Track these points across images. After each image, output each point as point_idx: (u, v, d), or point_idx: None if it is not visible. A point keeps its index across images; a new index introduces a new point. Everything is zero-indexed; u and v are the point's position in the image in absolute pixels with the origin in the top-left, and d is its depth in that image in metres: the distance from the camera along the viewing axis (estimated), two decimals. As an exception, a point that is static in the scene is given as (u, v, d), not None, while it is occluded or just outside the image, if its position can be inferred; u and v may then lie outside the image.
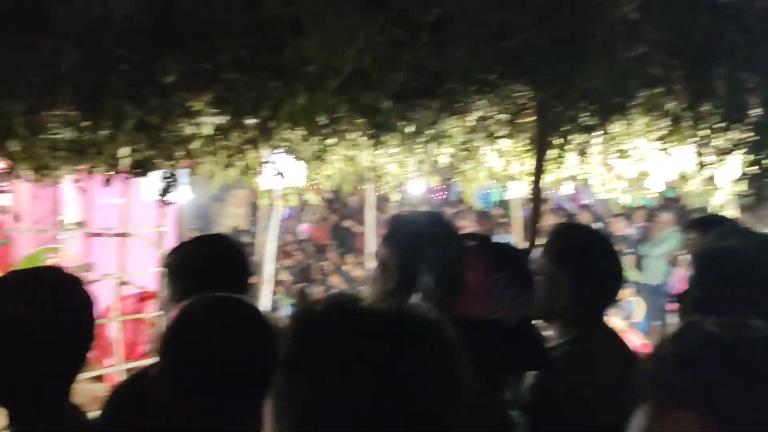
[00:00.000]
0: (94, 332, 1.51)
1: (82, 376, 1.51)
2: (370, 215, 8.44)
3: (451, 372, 0.75)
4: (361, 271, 9.51)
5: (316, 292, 8.26)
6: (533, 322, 1.33)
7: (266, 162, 4.63)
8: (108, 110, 2.57)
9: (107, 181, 4.39)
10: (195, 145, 4.12)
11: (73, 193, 7.39)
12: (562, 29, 2.39)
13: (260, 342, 1.29)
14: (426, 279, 1.25)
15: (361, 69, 2.16)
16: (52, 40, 1.86)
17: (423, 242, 1.49)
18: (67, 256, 8.42)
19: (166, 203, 3.91)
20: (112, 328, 6.99)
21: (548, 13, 2.36)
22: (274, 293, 7.83)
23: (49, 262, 9.01)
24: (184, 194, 4.95)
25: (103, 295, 7.34)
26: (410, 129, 3.62)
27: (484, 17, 2.23)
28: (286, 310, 8.41)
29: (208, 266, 1.87)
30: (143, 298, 7.38)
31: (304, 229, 13.10)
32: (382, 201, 12.28)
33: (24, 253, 9.91)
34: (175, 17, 2.07)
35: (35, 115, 2.33)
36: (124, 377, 6.23)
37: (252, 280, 7.05)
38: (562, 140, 3.39)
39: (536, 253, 1.91)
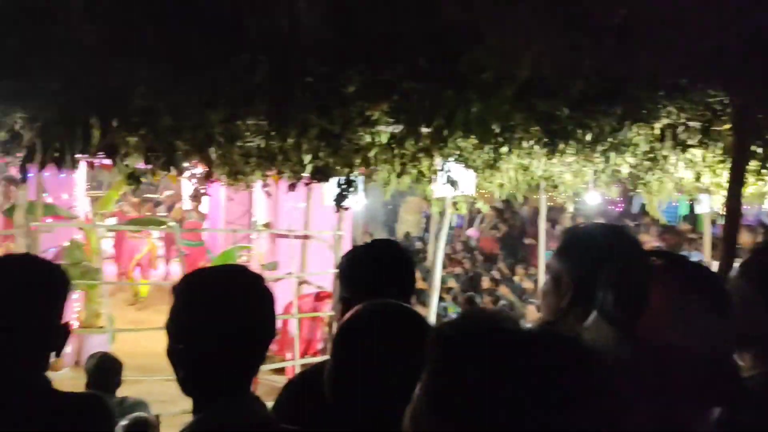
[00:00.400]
0: (275, 327, 1.59)
1: (264, 367, 1.59)
2: (542, 226, 8.19)
3: (596, 409, 0.72)
4: (530, 283, 9.24)
5: (484, 301, 8.16)
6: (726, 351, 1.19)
7: (439, 170, 4.66)
8: (294, 120, 2.72)
9: (292, 186, 4.70)
10: (372, 152, 4.27)
11: (262, 196, 7.97)
12: (765, 27, 2.14)
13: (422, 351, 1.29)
14: (603, 297, 1.15)
15: (537, 75, 2.09)
16: (246, 55, 2.01)
17: (601, 256, 1.38)
18: (256, 254, 9.12)
19: (343, 208, 4.07)
20: (292, 325, 7.42)
21: (747, 11, 2.12)
22: (442, 300, 7.86)
23: (241, 259, 9.83)
24: (360, 200, 5.14)
25: (285, 293, 7.86)
26: (589, 137, 3.45)
27: (676, 17, 2.06)
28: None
29: (376, 271, 1.91)
30: (320, 297, 7.75)
31: (473, 237, 13.02)
32: (555, 211, 11.86)
33: (219, 250, 10.92)
34: (356, 30, 2.16)
35: (231, 125, 2.54)
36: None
37: (422, 285, 7.11)
38: (764, 150, 3.05)
39: (732, 274, 1.71)
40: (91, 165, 6.69)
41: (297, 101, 2.35)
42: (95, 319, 8.01)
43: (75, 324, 7.62)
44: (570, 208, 8.22)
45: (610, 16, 1.97)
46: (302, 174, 4.36)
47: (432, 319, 5.97)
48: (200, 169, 5.41)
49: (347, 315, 1.49)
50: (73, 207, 8.86)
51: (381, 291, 1.68)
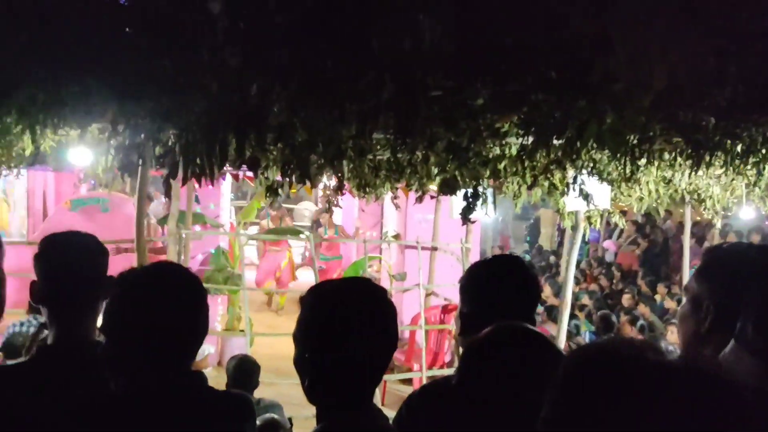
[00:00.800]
0: (397, 340, 1.61)
1: (392, 377, 1.61)
2: (687, 242, 7.65)
3: None
4: (673, 303, 8.65)
5: (621, 321, 7.74)
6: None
7: (572, 183, 4.51)
8: (422, 134, 2.75)
9: (419, 199, 4.74)
10: (501, 164, 4.21)
11: (392, 208, 8.11)
12: None
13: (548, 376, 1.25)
14: (744, 325, 1.06)
15: (675, 84, 1.97)
16: (372, 73, 2.07)
17: (747, 280, 1.27)
18: (386, 265, 9.28)
19: (469, 221, 4.05)
20: (419, 336, 7.46)
21: None
22: (574, 317, 7.55)
23: (372, 269, 10.05)
24: (490, 212, 5.08)
25: (413, 304, 7.93)
26: (739, 148, 3.19)
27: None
28: (586, 336, 8.06)
29: (496, 288, 1.88)
30: (448, 309, 7.74)
31: (610, 249, 12.42)
32: (701, 227, 11.04)
33: (352, 260, 11.22)
34: (482, 43, 2.15)
35: (361, 139, 2.61)
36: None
37: (553, 302, 6.89)
38: None
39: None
40: (236, 177, 7.16)
41: (423, 115, 2.37)
42: (236, 323, 8.50)
43: (218, 327, 8.13)
44: (718, 223, 7.62)
45: (759, 21, 1.81)
46: (430, 186, 4.38)
47: (562, 337, 5.75)
48: (333, 181, 5.61)
49: (476, 336, 1.48)
50: (219, 216, 9.49)
51: (501, 308, 1.65)
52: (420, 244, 7.72)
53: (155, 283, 1.65)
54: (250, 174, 6.36)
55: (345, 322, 1.51)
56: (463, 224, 4.16)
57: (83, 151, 4.77)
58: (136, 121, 3.18)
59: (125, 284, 1.64)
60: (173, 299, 1.62)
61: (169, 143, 3.92)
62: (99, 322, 1.73)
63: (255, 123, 2.22)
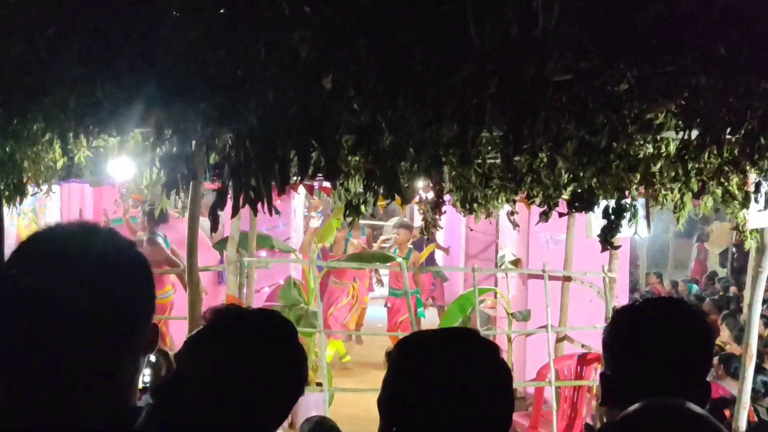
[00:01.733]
0: (513, 405, 1.60)
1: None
2: None
3: None
4: None
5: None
6: None
7: (753, 191, 4.32)
8: (545, 131, 2.72)
9: (545, 215, 4.67)
10: (655, 167, 4.10)
11: (509, 226, 8.04)
12: None
13: None
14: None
15: None
16: (472, 63, 2.07)
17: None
18: (503, 300, 9.18)
19: (611, 246, 3.95)
20: (548, 394, 7.32)
21: None
22: (762, 371, 7.17)
23: (485, 305, 9.97)
24: (640, 230, 4.94)
25: (539, 351, 7.79)
26: None
27: None
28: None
29: (650, 347, 1.78)
30: (586, 360, 7.55)
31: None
32: None
33: (458, 291, 11.18)
34: (624, 11, 2.10)
35: (463, 144, 2.62)
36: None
37: (733, 349, 6.60)
38: None
39: None
40: (310, 189, 7.32)
41: (545, 107, 2.34)
42: (312, 374, 8.65)
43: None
44: None
45: None
46: (558, 200, 4.32)
47: (745, 399, 5.47)
48: (431, 195, 5.63)
49: (621, 417, 1.45)
50: (290, 239, 9.72)
51: (658, 375, 1.59)
52: (548, 273, 7.60)
53: (248, 331, 1.76)
54: (326, 184, 6.49)
55: (444, 390, 1.51)
56: (603, 250, 4.07)
57: (124, 162, 5.02)
58: (185, 125, 3.33)
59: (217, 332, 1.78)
60: (272, 352, 1.73)
61: (226, 150, 4.09)
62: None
63: (328, 125, 2.27)
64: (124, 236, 1.49)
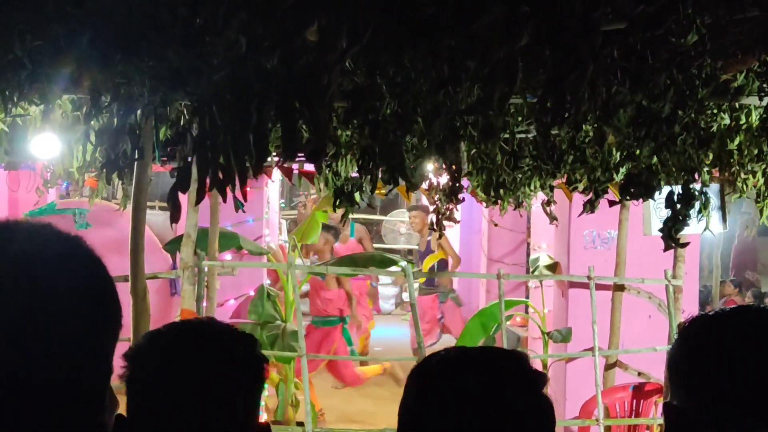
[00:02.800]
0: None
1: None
2: None
3: None
4: None
5: None
6: None
7: None
8: (590, 96, 2.73)
9: (591, 205, 4.68)
10: (733, 144, 4.10)
11: (544, 221, 8.03)
12: None
13: None
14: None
15: None
16: (499, 5, 2.08)
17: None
18: (536, 314, 9.19)
19: (677, 243, 3.95)
20: (595, 434, 7.33)
21: None
22: None
23: (514, 321, 9.98)
24: (713, 225, 4.95)
25: (585, 380, 7.80)
26: None
27: None
28: None
29: (733, 371, 1.76)
30: (644, 392, 7.56)
31: None
32: None
33: (477, 305, 11.18)
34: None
35: (487, 110, 2.62)
36: None
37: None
38: None
39: None
40: (288, 173, 7.31)
41: (591, 66, 2.35)
42: (291, 411, 8.66)
43: (263, 416, 8.32)
44: None
45: None
46: (608, 185, 4.32)
47: None
48: (445, 179, 5.62)
49: None
50: (263, 237, 9.71)
51: (742, 407, 1.59)
52: (594, 281, 7.59)
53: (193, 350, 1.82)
54: (309, 167, 6.49)
55: (472, 423, 1.53)
56: (666, 248, 4.07)
57: (49, 139, 5.01)
58: (129, 89, 3.33)
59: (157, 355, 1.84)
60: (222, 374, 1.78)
61: (181, 122, 4.08)
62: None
63: (315, 86, 2.27)
64: (66, 233, 1.37)
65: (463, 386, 1.59)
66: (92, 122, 3.91)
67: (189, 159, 2.66)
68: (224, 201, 2.78)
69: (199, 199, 2.74)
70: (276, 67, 2.29)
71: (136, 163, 4.07)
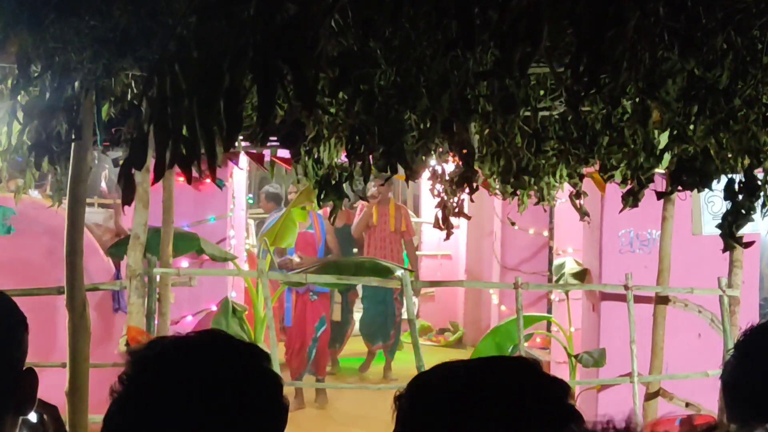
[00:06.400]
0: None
1: None
2: None
3: None
4: None
5: None
6: None
7: None
8: (629, 63, 2.71)
9: (633, 197, 4.67)
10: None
11: (570, 218, 8.02)
12: None
13: None
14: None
15: None
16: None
17: None
18: (561, 332, 9.20)
19: (739, 242, 3.95)
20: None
21: None
22: None
23: (534, 342, 9.97)
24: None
25: (620, 411, 7.77)
26: None
27: None
28: None
29: None
30: (694, 426, 7.55)
31: None
32: None
33: (488, 322, 11.18)
34: None
35: (506, 72, 2.61)
36: None
37: None
38: None
39: None
40: (259, 160, 7.28)
41: (635, 25, 2.34)
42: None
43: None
44: None
45: None
46: (653, 172, 4.30)
47: None
48: (452, 167, 5.61)
49: None
50: (228, 239, 9.69)
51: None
52: (632, 291, 7.59)
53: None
54: (284, 154, 6.45)
55: None
56: (726, 249, 4.07)
57: (-33, 119, 5.01)
58: (65, 56, 3.31)
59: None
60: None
61: (128, 97, 4.06)
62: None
63: (300, 44, 2.24)
64: None
65: (470, 403, 1.62)
66: (19, 97, 3.88)
67: (145, 128, 2.62)
68: (188, 182, 2.73)
69: (157, 177, 2.70)
70: (253, 18, 2.27)
71: (72, 145, 4.05)
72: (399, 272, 7.95)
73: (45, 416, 2.13)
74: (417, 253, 12.99)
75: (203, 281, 8.74)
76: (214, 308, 8.76)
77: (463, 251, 13.67)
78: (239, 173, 10.15)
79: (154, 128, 2.55)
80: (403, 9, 2.39)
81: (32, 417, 2.03)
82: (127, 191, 2.76)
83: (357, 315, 11.85)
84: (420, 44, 2.67)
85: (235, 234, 10.01)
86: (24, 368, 1.95)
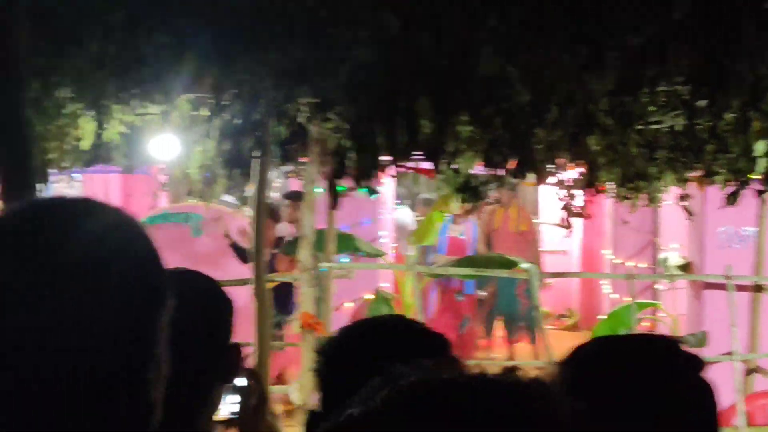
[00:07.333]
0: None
1: None
2: None
3: None
4: None
5: None
6: None
7: None
8: (735, 75, 2.66)
9: (733, 197, 4.56)
10: None
11: (677, 217, 7.86)
12: None
13: None
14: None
15: None
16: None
17: None
18: (668, 317, 9.03)
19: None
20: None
21: None
22: None
23: (642, 326, 9.78)
24: None
25: (722, 388, 7.58)
26: None
27: None
28: None
29: None
30: (787, 397, 7.38)
31: None
32: None
33: (605, 308, 11.03)
34: None
35: (633, 89, 2.57)
36: None
37: None
38: None
39: None
40: (425, 171, 7.30)
41: (749, 45, 2.28)
42: None
43: None
44: None
45: None
46: (749, 176, 4.20)
47: None
48: (573, 173, 5.54)
49: None
50: (379, 238, 9.76)
51: None
52: (732, 280, 7.41)
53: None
54: (427, 166, 6.47)
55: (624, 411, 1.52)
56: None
57: (169, 140, 5.09)
58: (252, 86, 3.37)
59: None
60: None
61: (299, 119, 4.12)
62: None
63: (455, 78, 2.25)
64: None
65: (615, 374, 1.59)
66: (213, 122, 3.97)
67: (343, 144, 2.66)
68: (372, 193, 2.79)
69: (362, 181, 2.73)
70: (427, 47, 2.28)
71: (260, 159, 4.14)
72: (525, 265, 7.90)
73: (250, 382, 2.17)
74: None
75: (359, 274, 8.82)
76: (370, 296, 8.83)
77: (577, 247, 13.49)
78: (387, 182, 10.22)
79: (352, 143, 2.59)
80: (539, 38, 2.38)
81: (241, 382, 2.08)
82: (332, 199, 2.82)
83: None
84: (552, 67, 2.65)
85: (384, 234, 10.09)
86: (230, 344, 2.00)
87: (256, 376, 2.23)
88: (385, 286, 9.44)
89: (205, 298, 1.98)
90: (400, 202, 12.32)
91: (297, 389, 6.27)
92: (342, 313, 8.84)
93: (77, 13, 2.63)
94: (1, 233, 1.14)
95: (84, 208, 1.21)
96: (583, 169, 4.51)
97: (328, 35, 2.64)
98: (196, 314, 1.77)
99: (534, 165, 3.41)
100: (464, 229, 10.57)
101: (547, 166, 4.28)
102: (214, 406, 2.00)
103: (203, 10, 2.86)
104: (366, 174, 2.50)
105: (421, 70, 2.27)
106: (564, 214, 5.68)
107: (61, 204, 1.21)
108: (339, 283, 8.17)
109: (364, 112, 2.47)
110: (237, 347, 2.01)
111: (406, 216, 10.21)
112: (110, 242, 1.16)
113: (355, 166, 2.56)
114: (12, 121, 2.23)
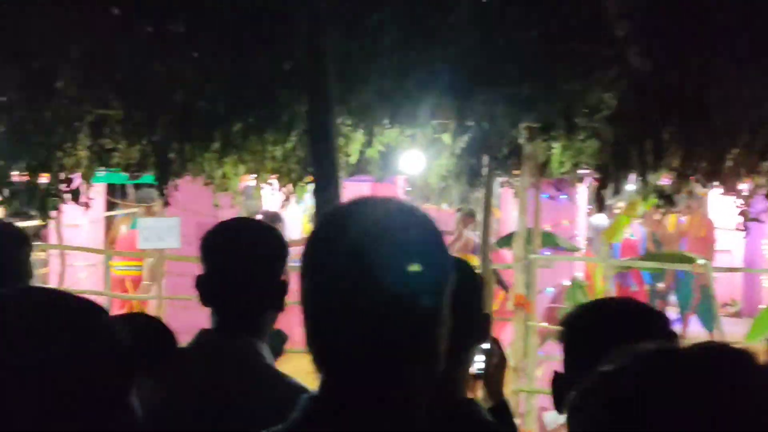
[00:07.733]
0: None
1: None
2: None
3: None
4: None
5: None
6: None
7: None
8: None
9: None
10: None
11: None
12: None
13: None
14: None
15: None
16: None
17: None
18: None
19: None
20: None
21: None
22: None
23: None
24: None
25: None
26: None
27: None
28: None
29: None
30: None
31: None
32: None
33: (764, 298, 10.38)
34: None
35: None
36: None
37: None
38: None
39: None
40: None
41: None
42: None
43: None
44: None
45: None
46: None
47: None
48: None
49: None
50: (575, 236, 9.58)
51: None
52: None
53: None
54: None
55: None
56: None
57: (416, 156, 5.18)
58: (486, 113, 3.37)
59: None
60: None
61: (520, 140, 4.09)
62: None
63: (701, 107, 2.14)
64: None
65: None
66: (450, 141, 4.00)
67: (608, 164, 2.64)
68: (601, 208, 2.75)
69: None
70: (672, 83, 2.21)
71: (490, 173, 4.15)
72: (701, 260, 7.56)
73: (493, 345, 2.16)
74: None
75: (559, 264, 8.70)
76: (568, 282, 8.69)
77: (740, 247, 12.86)
78: (582, 189, 10.06)
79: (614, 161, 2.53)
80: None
81: (486, 345, 2.09)
82: (599, 203, 2.71)
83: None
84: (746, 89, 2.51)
85: (579, 233, 9.92)
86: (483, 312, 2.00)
87: (496, 341, 2.20)
88: (580, 275, 9.27)
89: (465, 276, 1.99)
90: (592, 207, 12.08)
91: (510, 353, 6.28)
92: (544, 296, 8.75)
93: (366, 57, 2.72)
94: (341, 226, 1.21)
95: (390, 209, 1.26)
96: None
97: (555, 70, 2.60)
98: (461, 289, 1.74)
99: (720, 174, 3.23)
100: (633, 231, 10.35)
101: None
102: (469, 363, 2.01)
103: (447, 54, 2.89)
104: (617, 187, 2.47)
105: (667, 104, 2.19)
106: (741, 219, 5.37)
107: (389, 203, 1.27)
108: (543, 271, 8.09)
109: (621, 136, 2.42)
110: (487, 316, 2.01)
111: (601, 219, 9.93)
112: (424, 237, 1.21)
113: (604, 177, 2.53)
114: (324, 137, 2.36)
